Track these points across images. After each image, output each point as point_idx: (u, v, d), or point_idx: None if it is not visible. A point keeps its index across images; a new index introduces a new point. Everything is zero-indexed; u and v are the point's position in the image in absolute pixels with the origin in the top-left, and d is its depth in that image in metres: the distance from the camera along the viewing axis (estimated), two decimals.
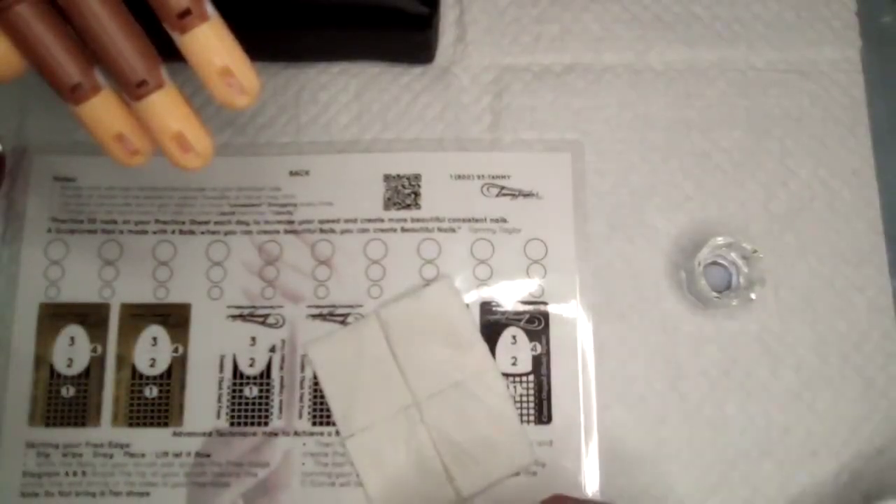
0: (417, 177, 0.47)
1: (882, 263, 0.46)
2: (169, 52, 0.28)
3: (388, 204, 0.47)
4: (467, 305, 0.45)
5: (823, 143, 0.48)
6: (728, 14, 0.50)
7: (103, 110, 0.28)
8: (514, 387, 0.44)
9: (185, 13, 0.26)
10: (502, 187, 0.47)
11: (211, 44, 0.27)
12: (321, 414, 0.44)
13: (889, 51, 0.49)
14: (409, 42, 0.47)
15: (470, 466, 0.43)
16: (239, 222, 0.47)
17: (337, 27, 0.45)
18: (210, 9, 0.27)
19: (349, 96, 0.48)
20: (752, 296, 0.43)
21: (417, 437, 0.43)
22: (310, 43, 0.47)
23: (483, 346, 0.44)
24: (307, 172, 0.47)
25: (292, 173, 0.47)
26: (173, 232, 0.47)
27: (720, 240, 0.43)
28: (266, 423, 0.44)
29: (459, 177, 0.47)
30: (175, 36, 0.27)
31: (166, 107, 0.28)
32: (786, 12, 0.50)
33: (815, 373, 0.45)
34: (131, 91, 0.27)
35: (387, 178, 0.47)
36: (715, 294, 0.43)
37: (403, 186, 0.47)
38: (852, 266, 0.46)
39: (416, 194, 0.47)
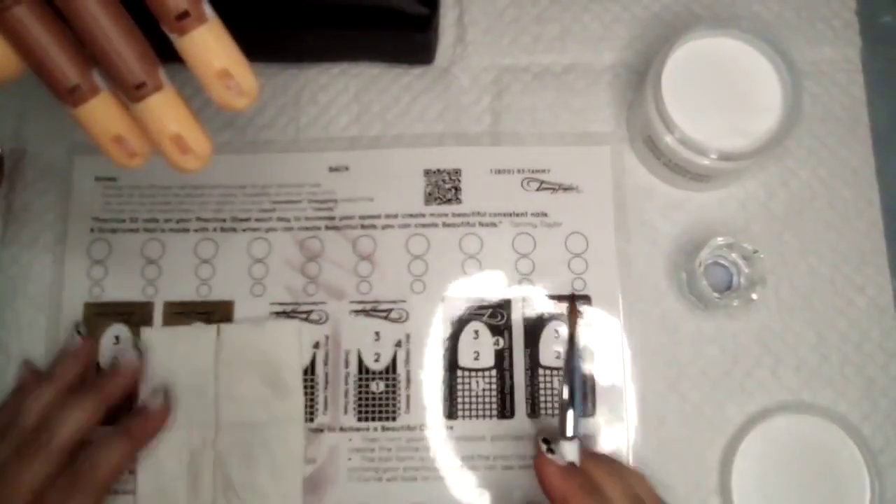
0: (458, 171, 0.47)
1: (882, 263, 0.46)
2: (168, 54, 0.28)
3: (429, 199, 0.47)
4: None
5: (824, 142, 0.48)
6: (728, 14, 0.50)
7: (102, 112, 0.28)
8: (558, 380, 0.44)
9: (184, 15, 0.26)
10: (542, 181, 0.47)
11: (209, 46, 0.27)
12: (367, 409, 0.44)
13: (889, 50, 0.49)
14: (408, 43, 0.47)
15: None
16: (280, 219, 0.47)
17: (337, 28, 0.45)
18: (208, 10, 0.27)
19: (349, 97, 0.48)
20: (753, 296, 0.43)
21: (203, 457, 0.43)
22: (310, 43, 0.47)
23: (299, 399, 0.44)
24: (347, 168, 0.47)
25: (332, 169, 0.47)
26: (214, 229, 0.47)
27: (721, 240, 0.43)
28: (312, 419, 0.44)
29: (499, 171, 0.47)
30: (173, 38, 0.27)
31: (165, 109, 0.28)
32: (786, 12, 0.50)
33: (815, 372, 0.45)
34: (130, 93, 0.27)
35: (427, 172, 0.47)
36: (716, 294, 0.43)
37: (444, 181, 0.47)
38: (853, 265, 0.46)
39: (457, 189, 0.47)
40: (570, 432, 0.38)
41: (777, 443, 0.43)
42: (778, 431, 0.43)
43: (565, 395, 0.39)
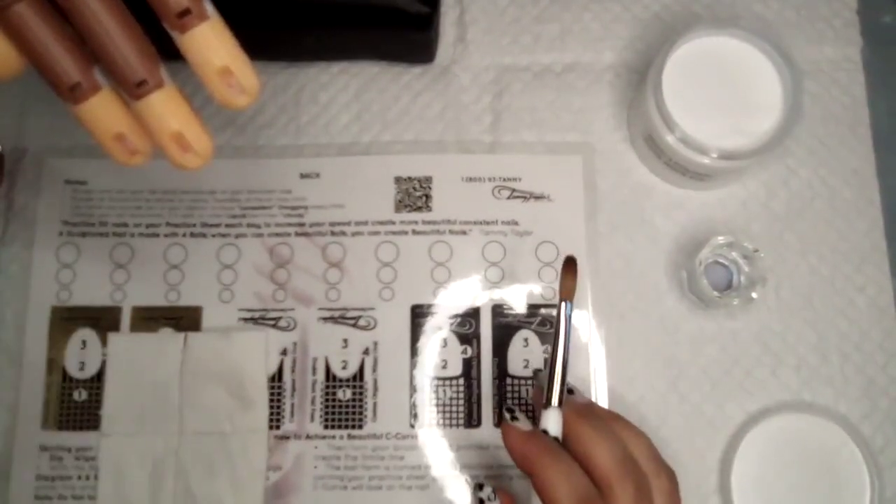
0: (428, 179, 0.47)
1: (883, 262, 0.46)
2: (169, 52, 0.28)
3: (400, 206, 0.47)
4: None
5: (824, 142, 0.48)
6: (728, 13, 0.50)
7: (103, 110, 0.28)
8: (526, 390, 0.44)
9: (185, 12, 0.26)
10: (513, 189, 0.47)
11: (210, 43, 0.27)
12: (333, 417, 0.44)
13: (890, 50, 0.49)
14: (409, 42, 0.47)
15: None
16: (250, 225, 0.47)
17: (337, 27, 0.45)
18: (210, 8, 0.27)
19: (349, 96, 0.48)
20: (754, 295, 0.43)
21: (165, 466, 0.43)
22: (310, 43, 0.47)
23: (264, 413, 0.44)
24: (318, 175, 0.47)
25: (303, 176, 0.47)
26: (184, 235, 0.46)
27: (721, 239, 0.43)
28: (278, 427, 0.44)
29: (470, 179, 0.47)
30: (175, 35, 0.27)
31: (166, 106, 0.28)
32: (786, 11, 0.50)
33: (815, 372, 0.45)
34: (131, 90, 0.27)
35: (398, 180, 0.47)
36: (716, 293, 0.43)
37: (415, 189, 0.47)
38: (853, 265, 0.46)
39: (428, 196, 0.47)
40: (554, 402, 0.36)
41: (777, 442, 0.43)
42: (778, 431, 0.43)
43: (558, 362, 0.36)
